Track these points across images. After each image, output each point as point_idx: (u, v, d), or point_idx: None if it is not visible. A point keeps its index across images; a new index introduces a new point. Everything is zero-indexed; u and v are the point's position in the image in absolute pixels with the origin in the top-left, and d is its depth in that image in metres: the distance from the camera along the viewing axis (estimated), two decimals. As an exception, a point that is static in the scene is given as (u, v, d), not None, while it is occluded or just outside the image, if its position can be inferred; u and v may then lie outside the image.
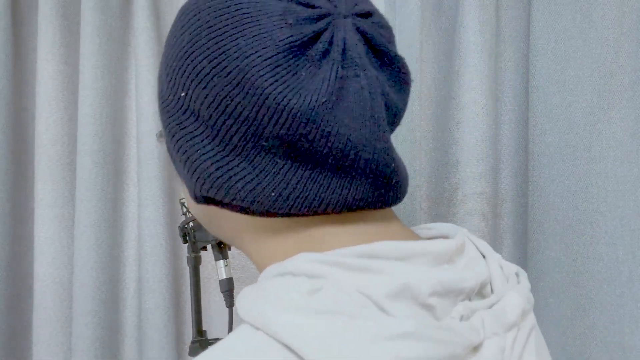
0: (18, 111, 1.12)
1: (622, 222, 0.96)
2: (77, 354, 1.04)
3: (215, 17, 0.38)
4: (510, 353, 0.40)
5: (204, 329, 0.87)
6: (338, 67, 0.38)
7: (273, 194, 0.39)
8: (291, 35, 0.37)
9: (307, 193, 0.40)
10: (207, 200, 0.43)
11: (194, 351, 0.83)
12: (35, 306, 1.07)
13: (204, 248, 0.82)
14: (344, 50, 0.38)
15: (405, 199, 0.99)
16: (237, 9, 0.38)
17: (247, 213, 0.42)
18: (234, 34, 0.37)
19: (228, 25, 0.38)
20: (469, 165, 0.99)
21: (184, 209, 0.83)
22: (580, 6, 0.97)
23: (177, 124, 0.42)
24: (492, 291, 0.43)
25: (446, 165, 1.02)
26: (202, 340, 0.84)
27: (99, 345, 1.05)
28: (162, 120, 0.45)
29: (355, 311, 0.35)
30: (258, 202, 0.40)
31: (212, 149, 0.40)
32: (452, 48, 1.01)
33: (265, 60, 0.36)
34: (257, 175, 0.39)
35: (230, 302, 0.79)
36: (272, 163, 0.39)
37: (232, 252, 1.08)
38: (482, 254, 0.46)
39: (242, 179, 0.40)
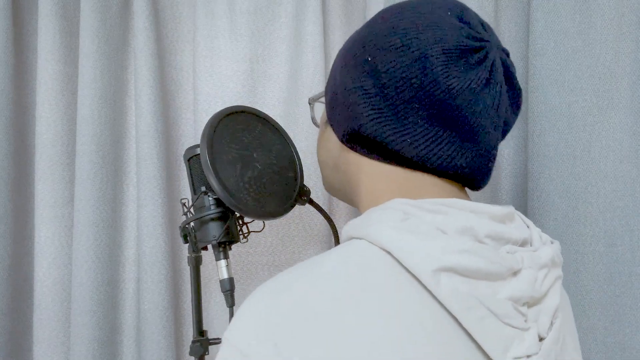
0: (18, 111, 1.12)
1: (622, 222, 0.96)
2: (76, 354, 1.04)
3: (415, 16, 0.55)
4: (540, 286, 0.53)
5: (204, 328, 0.87)
6: (487, 73, 0.54)
7: (409, 139, 0.55)
8: (463, 42, 0.53)
9: (433, 146, 0.55)
10: (354, 140, 0.59)
11: (195, 351, 0.83)
12: (36, 306, 1.07)
13: (205, 248, 0.82)
14: (492, 65, 0.55)
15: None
16: (432, 14, 0.55)
17: (379, 155, 0.58)
18: (425, 30, 0.54)
19: (422, 21, 0.54)
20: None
21: (185, 209, 0.83)
22: (580, 6, 0.97)
23: (355, 78, 0.57)
24: (531, 246, 0.57)
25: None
26: (202, 340, 0.84)
27: (98, 345, 1.05)
28: (338, 77, 0.60)
29: (432, 234, 0.50)
30: (393, 141, 0.55)
31: (378, 100, 0.55)
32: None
33: (443, 51, 0.53)
34: (402, 125, 0.55)
35: (231, 302, 0.79)
36: (415, 119, 0.54)
37: (233, 252, 1.08)
38: (527, 225, 0.59)
39: (389, 124, 0.55)
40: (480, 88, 0.54)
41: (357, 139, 0.59)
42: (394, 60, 0.54)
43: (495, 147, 0.58)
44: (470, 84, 0.53)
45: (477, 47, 0.54)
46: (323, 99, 0.72)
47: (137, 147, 1.05)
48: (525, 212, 1.03)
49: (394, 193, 0.58)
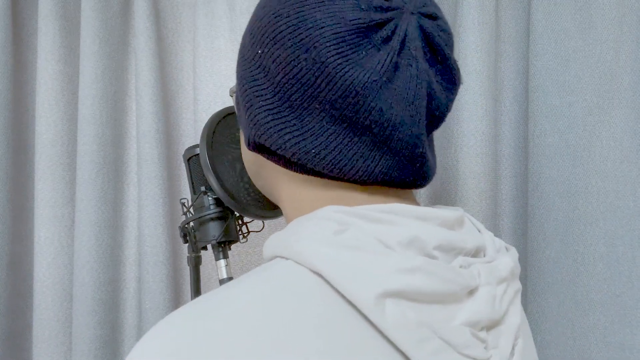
0: (18, 111, 1.12)
1: (622, 222, 0.96)
2: (77, 354, 1.04)
3: None
4: (500, 303, 0.46)
5: (204, 329, 0.87)
6: (394, 54, 0.43)
7: (313, 151, 0.45)
8: (360, 18, 0.42)
9: (342, 157, 0.45)
10: (257, 148, 0.50)
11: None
12: (36, 306, 1.07)
13: (205, 248, 0.82)
14: (403, 41, 0.44)
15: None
16: None
17: (287, 167, 0.49)
18: (313, 8, 0.43)
19: (314, 1, 0.43)
20: (469, 165, 0.99)
21: (184, 209, 0.83)
22: (580, 6, 0.97)
23: (249, 76, 0.48)
24: (484, 256, 0.50)
25: (446, 165, 1.02)
26: (202, 340, 0.84)
27: (99, 345, 1.05)
28: (237, 72, 0.51)
29: (372, 249, 0.42)
30: (299, 155, 0.46)
31: (272, 102, 0.46)
32: (452, 48, 1.01)
33: (334, 34, 0.42)
34: (303, 132, 0.45)
35: (230, 302, 0.79)
36: (319, 124, 0.45)
37: (233, 252, 1.08)
38: (478, 229, 0.52)
39: (290, 132, 0.46)
40: (386, 78, 0.43)
41: (262, 148, 0.50)
42: (283, 53, 0.44)
43: (419, 144, 0.47)
44: (370, 75, 0.42)
45: (381, 20, 0.43)
46: None
47: (138, 147, 1.05)
48: (525, 213, 1.03)
49: (321, 200, 0.49)
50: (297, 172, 0.49)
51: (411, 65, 0.44)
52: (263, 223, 0.93)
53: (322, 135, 0.45)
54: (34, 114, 1.13)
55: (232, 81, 1.06)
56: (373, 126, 0.44)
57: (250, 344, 0.37)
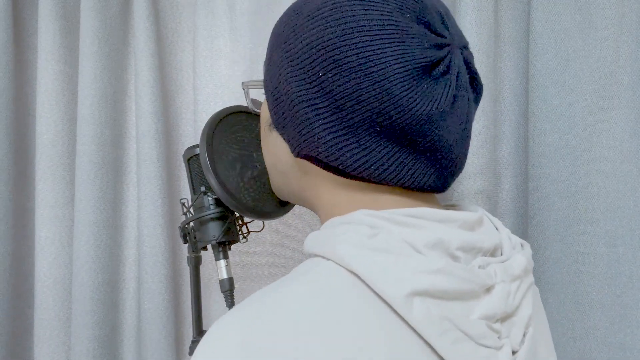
0: (18, 111, 1.12)
1: (623, 222, 0.96)
2: (76, 353, 1.04)
3: (370, 25, 0.49)
4: (513, 298, 0.51)
5: (204, 328, 0.87)
6: (453, 87, 0.50)
7: (373, 167, 0.51)
8: (425, 57, 0.48)
9: (398, 172, 0.51)
10: (306, 157, 0.55)
11: (194, 351, 0.83)
12: (36, 306, 1.07)
13: (204, 248, 0.82)
14: (458, 74, 0.50)
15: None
16: (390, 24, 0.49)
17: (337, 173, 0.54)
18: (383, 44, 0.48)
19: (378, 35, 0.48)
20: (469, 165, 0.99)
21: (184, 209, 0.83)
22: (580, 6, 0.97)
23: (304, 93, 0.52)
24: (501, 254, 0.55)
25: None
26: (202, 340, 0.84)
27: (99, 345, 1.05)
28: (285, 82, 0.54)
29: (402, 252, 0.47)
30: (356, 169, 0.52)
31: (331, 121, 0.51)
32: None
33: (404, 71, 0.48)
34: (363, 149, 0.51)
35: (230, 302, 0.79)
36: (377, 143, 0.50)
37: (233, 252, 1.08)
38: (495, 227, 0.58)
39: (350, 150, 0.51)
40: (449, 109, 0.50)
41: (314, 159, 0.55)
42: (351, 81, 0.49)
43: (464, 160, 0.55)
44: (437, 105, 0.49)
45: (440, 58, 0.49)
46: (262, 90, 0.65)
47: (138, 147, 1.05)
48: (525, 213, 1.03)
49: (357, 202, 0.54)
50: (342, 177, 0.54)
51: (464, 96, 0.51)
52: (263, 223, 0.93)
53: (380, 152, 0.51)
54: (34, 114, 1.13)
55: (232, 80, 1.06)
56: (433, 149, 0.51)
57: (298, 339, 0.43)
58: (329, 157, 0.52)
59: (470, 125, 0.54)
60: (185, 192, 1.11)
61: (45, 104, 1.06)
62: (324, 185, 0.56)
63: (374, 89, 0.48)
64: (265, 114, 0.61)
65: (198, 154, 0.79)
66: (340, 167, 0.52)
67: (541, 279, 0.99)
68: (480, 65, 0.97)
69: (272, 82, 0.56)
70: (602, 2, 0.96)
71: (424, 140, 0.50)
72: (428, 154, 0.51)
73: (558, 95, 0.98)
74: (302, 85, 0.52)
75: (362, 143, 0.51)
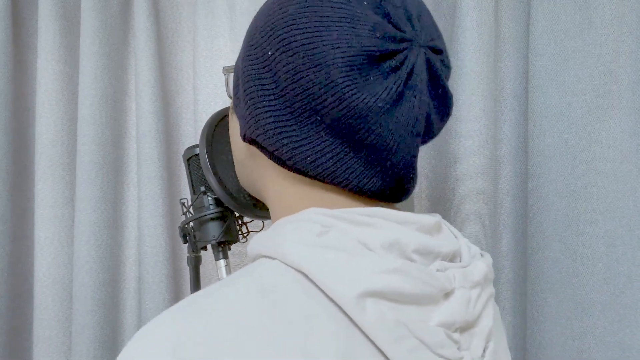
0: (18, 111, 1.12)
1: (622, 222, 0.96)
2: (76, 353, 1.04)
3: (322, 7, 0.45)
4: (474, 306, 0.48)
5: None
6: (400, 84, 0.46)
7: (309, 158, 0.48)
8: (374, 46, 0.44)
9: (335, 168, 0.48)
10: (252, 142, 0.52)
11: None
12: (36, 306, 1.07)
13: (204, 248, 0.82)
14: (410, 72, 0.46)
15: (407, 200, 0.98)
16: (340, 7, 0.45)
17: (281, 164, 0.50)
18: (330, 26, 0.45)
19: (329, 17, 0.45)
20: (468, 165, 0.99)
21: (184, 209, 0.83)
22: (580, 6, 0.97)
23: (255, 73, 0.49)
24: (460, 261, 0.52)
25: (445, 165, 1.02)
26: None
27: (99, 345, 1.05)
28: (243, 64, 0.51)
29: (354, 251, 0.44)
30: (295, 159, 0.48)
31: (275, 105, 0.48)
32: (450, 49, 1.01)
33: (346, 56, 0.44)
34: (303, 139, 0.47)
35: (230, 302, 0.79)
36: (318, 135, 0.47)
37: (232, 252, 1.08)
38: (454, 235, 0.54)
39: (289, 137, 0.48)
40: (390, 105, 0.45)
41: (257, 143, 0.52)
42: (293, 62, 0.45)
43: (411, 170, 0.50)
44: (375, 101, 0.45)
45: (392, 50, 0.45)
46: None
47: (138, 147, 1.05)
48: (525, 213, 1.03)
49: (305, 199, 0.51)
50: (286, 168, 0.51)
51: (415, 97, 0.46)
52: (263, 223, 0.93)
53: (319, 144, 0.47)
54: (34, 114, 1.13)
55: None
56: (370, 148, 0.47)
57: (238, 341, 0.40)
58: (267, 141, 0.49)
59: (419, 133, 0.48)
60: (186, 192, 1.11)
61: (45, 104, 1.06)
62: (270, 176, 0.53)
63: (314, 73, 0.45)
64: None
65: (198, 154, 0.79)
66: (276, 153, 0.49)
67: (540, 279, 0.99)
68: (481, 65, 0.98)
69: (236, 64, 0.54)
70: (602, 2, 0.96)
71: (360, 135, 0.46)
72: (365, 152, 0.47)
73: (558, 96, 0.98)
74: (253, 64, 0.49)
75: (303, 131, 0.47)
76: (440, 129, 0.52)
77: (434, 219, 0.51)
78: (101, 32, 1.05)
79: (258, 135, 0.50)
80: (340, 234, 0.45)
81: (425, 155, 1.06)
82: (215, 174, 0.72)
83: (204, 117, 1.05)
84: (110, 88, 1.07)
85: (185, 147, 1.10)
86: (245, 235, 0.84)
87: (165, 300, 1.04)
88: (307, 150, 0.48)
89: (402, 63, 0.46)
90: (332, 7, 0.45)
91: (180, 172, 1.12)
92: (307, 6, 0.46)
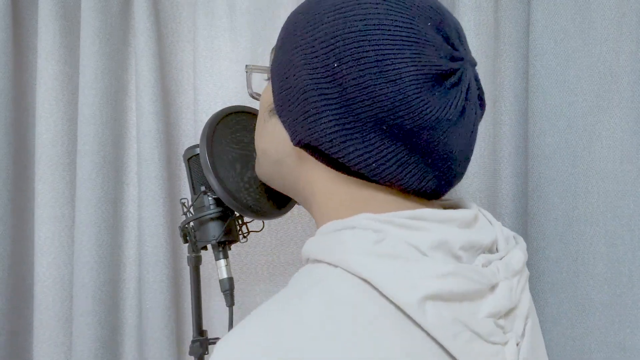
0: (18, 111, 1.12)
1: (622, 222, 0.96)
2: (77, 354, 1.04)
3: (392, 25, 0.49)
4: (515, 293, 0.53)
5: (204, 328, 0.87)
6: (463, 98, 0.51)
7: (374, 164, 0.51)
8: (441, 65, 0.49)
9: (398, 172, 0.52)
10: (306, 146, 0.54)
11: (195, 351, 0.83)
12: (36, 306, 1.07)
13: (205, 248, 0.82)
14: (468, 88, 0.52)
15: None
16: (410, 27, 0.49)
17: (338, 168, 0.54)
18: (402, 46, 0.48)
19: (399, 36, 0.49)
20: (469, 165, 0.99)
21: (185, 209, 0.83)
22: (580, 6, 0.97)
23: (315, 83, 0.51)
24: (497, 249, 0.56)
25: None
26: (202, 340, 0.84)
27: (99, 345, 1.05)
28: (296, 69, 0.53)
29: (409, 256, 0.48)
30: (360, 165, 0.52)
31: (338, 113, 0.51)
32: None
33: (419, 75, 0.48)
34: (367, 146, 0.51)
35: (230, 302, 0.79)
36: (382, 142, 0.50)
37: (232, 252, 1.08)
38: (489, 221, 0.59)
39: (354, 144, 0.51)
40: (457, 118, 0.51)
41: (314, 149, 0.54)
42: (366, 76, 0.49)
43: (463, 173, 0.56)
44: (446, 114, 0.50)
45: (453, 69, 0.50)
46: (265, 75, 0.65)
47: (138, 147, 1.05)
48: (525, 212, 1.03)
49: (356, 204, 0.54)
50: (342, 172, 0.54)
51: (472, 110, 0.52)
52: (263, 223, 0.93)
53: (382, 151, 0.51)
54: (34, 114, 1.13)
55: (232, 80, 1.06)
56: (435, 155, 0.51)
57: (323, 353, 0.43)
58: (331, 149, 0.52)
59: (474, 140, 0.55)
60: (186, 192, 1.11)
61: (45, 104, 1.06)
62: (319, 177, 0.56)
63: (387, 88, 0.48)
64: (267, 98, 0.60)
65: (198, 154, 0.79)
66: (340, 159, 0.52)
67: (541, 279, 0.99)
68: (480, 65, 0.98)
69: (282, 67, 0.55)
70: (602, 2, 0.96)
71: (429, 145, 0.50)
72: (430, 159, 0.52)
73: (558, 95, 0.98)
74: (314, 74, 0.52)
75: (366, 139, 0.50)
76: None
77: (471, 212, 0.55)
78: (101, 32, 1.05)
79: (321, 143, 0.52)
80: (393, 240, 0.49)
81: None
82: (216, 173, 0.72)
83: (204, 117, 1.05)
84: (111, 88, 1.07)
85: (186, 147, 1.10)
86: (245, 235, 0.84)
87: (165, 300, 1.04)
88: (372, 156, 0.51)
89: (459, 79, 0.51)
90: (401, 26, 0.49)
91: (181, 172, 1.12)
92: (378, 24, 0.49)
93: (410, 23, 0.49)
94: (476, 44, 0.97)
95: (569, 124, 0.98)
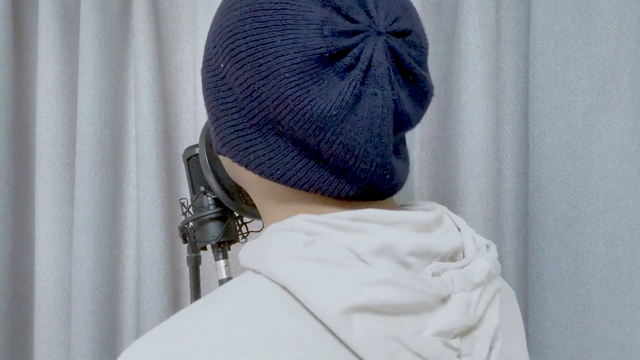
0: (18, 111, 1.12)
1: (622, 222, 0.96)
2: (76, 353, 1.04)
3: (263, 9, 0.42)
4: (475, 308, 0.45)
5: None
6: (357, 84, 0.41)
7: (278, 172, 0.45)
8: (322, 47, 0.40)
9: (307, 179, 0.45)
10: (224, 154, 0.50)
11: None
12: (36, 306, 1.07)
13: (204, 248, 0.82)
14: (368, 67, 0.41)
15: (407, 200, 0.98)
16: (283, 8, 0.41)
17: (255, 174, 0.47)
18: (274, 32, 0.41)
19: (271, 21, 0.41)
20: (470, 165, 0.99)
21: (184, 209, 0.83)
22: (580, 6, 0.97)
23: (213, 86, 0.47)
24: (464, 257, 0.49)
25: (447, 165, 1.02)
26: (201, 340, 0.84)
27: (98, 345, 1.05)
28: (202, 75, 0.49)
29: (342, 261, 0.41)
30: (265, 173, 0.46)
31: (237, 119, 0.45)
32: (451, 49, 1.01)
33: (293, 64, 0.40)
34: (268, 152, 0.45)
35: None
36: (284, 145, 0.44)
37: (232, 252, 1.08)
38: (458, 227, 0.51)
39: (254, 152, 0.45)
40: (346, 111, 0.41)
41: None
42: (243, 74, 0.43)
43: (386, 170, 0.45)
44: (330, 108, 0.41)
45: (344, 47, 0.41)
46: None
47: (137, 147, 1.05)
48: (526, 213, 1.03)
49: (293, 206, 0.48)
50: (265, 178, 0.48)
51: (376, 94, 0.42)
52: (263, 223, 0.93)
53: (286, 156, 0.44)
54: (34, 114, 1.13)
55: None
56: (334, 157, 0.43)
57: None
58: (234, 157, 0.47)
59: (389, 128, 0.44)
60: (185, 192, 1.11)
61: (45, 104, 1.06)
62: (252, 184, 0.50)
63: (264, 85, 0.42)
64: None
65: (197, 154, 0.79)
66: (247, 168, 0.47)
67: (540, 279, 0.99)
68: (483, 65, 0.98)
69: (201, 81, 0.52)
70: (602, 2, 0.96)
71: (321, 146, 0.43)
72: (332, 161, 0.44)
73: (558, 95, 0.98)
74: (210, 75, 0.47)
75: (268, 144, 0.45)
76: (421, 115, 0.48)
77: (431, 214, 0.47)
78: (101, 32, 1.05)
79: (227, 151, 0.48)
80: (327, 243, 0.42)
81: (428, 156, 1.06)
82: (215, 174, 0.72)
83: (204, 117, 1.05)
84: (110, 88, 1.07)
85: (185, 147, 1.10)
86: (245, 235, 0.84)
87: (163, 300, 1.04)
88: (275, 163, 0.45)
89: (357, 59, 0.41)
90: (273, 8, 0.41)
91: (180, 172, 1.12)
92: (250, 10, 0.42)
93: (284, 2, 0.41)
94: (478, 44, 0.97)
95: (569, 124, 0.97)
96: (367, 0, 0.43)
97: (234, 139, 0.46)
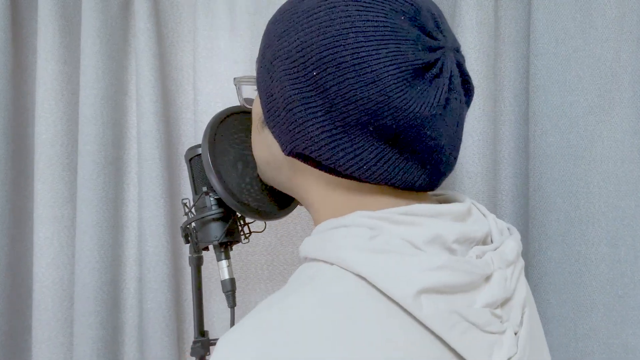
0: (18, 111, 1.11)
1: (624, 223, 0.96)
2: (78, 354, 1.04)
3: (365, 26, 0.49)
4: (510, 283, 0.54)
5: (205, 329, 0.87)
6: (445, 90, 0.50)
7: (365, 167, 0.52)
8: (419, 59, 0.49)
9: (390, 172, 0.52)
10: (298, 155, 0.55)
11: (196, 352, 0.83)
12: (35, 306, 1.07)
13: (206, 248, 0.82)
14: (450, 77, 0.51)
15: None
16: (384, 25, 0.49)
17: (331, 173, 0.55)
18: (379, 46, 0.48)
19: (374, 36, 0.48)
20: (467, 165, 0.99)
21: (186, 209, 0.83)
22: (580, 6, 0.97)
23: (298, 93, 0.52)
24: (491, 241, 0.58)
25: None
26: (203, 341, 0.83)
27: (101, 345, 1.05)
28: (275, 80, 0.54)
29: (403, 251, 0.49)
30: (352, 169, 0.52)
31: (324, 120, 0.51)
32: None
33: (397, 73, 0.48)
34: (356, 149, 0.51)
35: (232, 303, 0.79)
36: (371, 144, 0.51)
37: (234, 253, 1.08)
38: (483, 214, 0.60)
39: (343, 149, 0.51)
40: (442, 111, 0.51)
41: (305, 157, 0.55)
42: (345, 81, 0.49)
43: (454, 162, 0.56)
44: (429, 108, 0.50)
45: (433, 60, 0.50)
46: (253, 86, 0.66)
47: (139, 147, 1.04)
48: (526, 213, 1.03)
49: (348, 201, 0.55)
50: (336, 175, 0.55)
51: (456, 99, 0.52)
52: (265, 224, 0.93)
53: (372, 152, 0.51)
54: (34, 114, 1.12)
55: (232, 81, 1.06)
56: (424, 150, 0.52)
57: (318, 346, 0.44)
58: (321, 156, 0.53)
59: (462, 127, 0.55)
60: (187, 192, 1.11)
61: (44, 104, 1.06)
62: (314, 183, 0.57)
63: (368, 90, 0.49)
64: (257, 110, 0.61)
65: (200, 154, 0.79)
66: (332, 165, 0.53)
67: (543, 280, 0.99)
68: (481, 65, 0.98)
69: (265, 79, 0.56)
70: (602, 2, 0.96)
71: (416, 141, 0.51)
72: (419, 155, 0.52)
73: (559, 95, 0.98)
74: (295, 84, 0.52)
75: (355, 142, 0.51)
76: (465, 115, 0.58)
77: (464, 205, 0.56)
78: (102, 32, 1.04)
79: (311, 151, 0.53)
80: (387, 236, 0.50)
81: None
82: (218, 174, 0.72)
83: (204, 117, 1.05)
84: (111, 88, 1.06)
85: (186, 147, 1.10)
86: (247, 235, 0.84)
87: (166, 300, 1.04)
88: (361, 159, 0.51)
89: (441, 70, 0.50)
90: (375, 25, 0.49)
91: (181, 172, 1.12)
92: (351, 26, 0.49)
93: (384, 21, 0.49)
94: (477, 44, 0.97)
95: (570, 124, 0.98)
96: (438, 23, 0.52)
97: (322, 139, 0.52)
